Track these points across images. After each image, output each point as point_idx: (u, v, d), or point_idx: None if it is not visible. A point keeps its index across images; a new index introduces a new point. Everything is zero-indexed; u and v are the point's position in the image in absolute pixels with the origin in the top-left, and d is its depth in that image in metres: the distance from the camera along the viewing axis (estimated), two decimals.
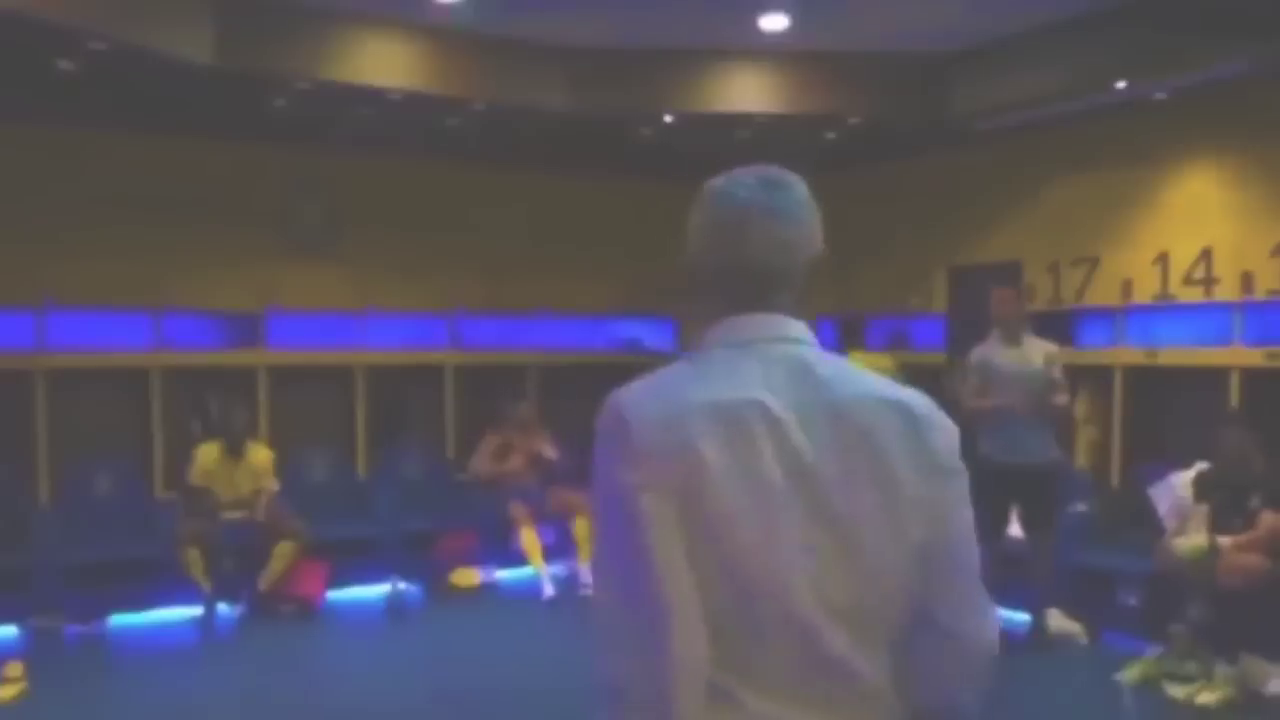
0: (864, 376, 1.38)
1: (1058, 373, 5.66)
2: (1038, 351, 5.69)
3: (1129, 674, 5.21)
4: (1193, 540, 5.27)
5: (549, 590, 6.89)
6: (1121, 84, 5.90)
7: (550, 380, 8.29)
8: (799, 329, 1.39)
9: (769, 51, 6.56)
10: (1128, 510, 6.33)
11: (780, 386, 1.30)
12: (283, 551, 6.53)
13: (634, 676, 1.24)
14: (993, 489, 5.75)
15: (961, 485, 1.36)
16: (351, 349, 7.71)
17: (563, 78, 6.53)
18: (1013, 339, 5.70)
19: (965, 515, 1.36)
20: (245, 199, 7.33)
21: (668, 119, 6.62)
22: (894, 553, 1.30)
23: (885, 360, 6.44)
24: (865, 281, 8.07)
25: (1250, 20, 5.29)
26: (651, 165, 8.17)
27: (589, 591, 6.81)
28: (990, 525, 5.86)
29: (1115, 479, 6.61)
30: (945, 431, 1.36)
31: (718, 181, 1.43)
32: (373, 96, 6.16)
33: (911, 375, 7.64)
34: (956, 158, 7.32)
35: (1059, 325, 6.72)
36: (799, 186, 1.41)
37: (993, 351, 5.75)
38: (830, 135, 6.91)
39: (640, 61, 6.58)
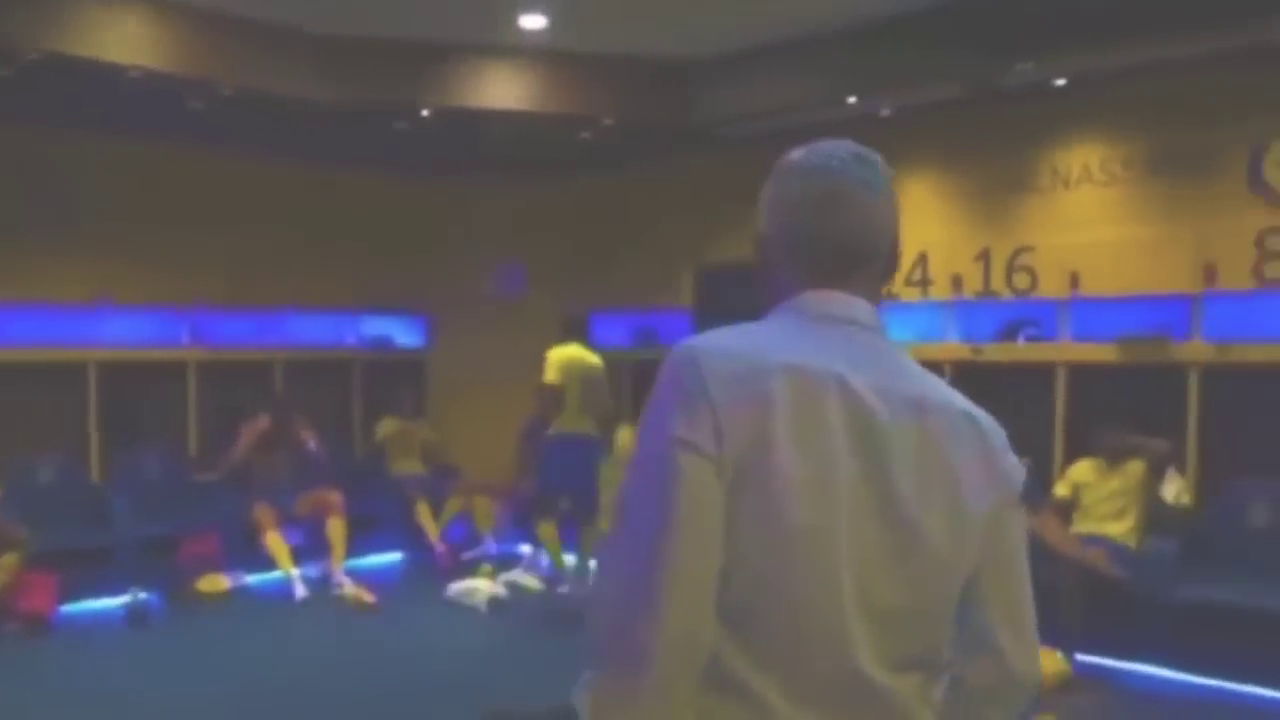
0: (938, 380, 1.33)
1: None
2: None
3: None
4: None
5: (300, 592, 6.75)
6: (852, 99, 6.43)
7: (297, 378, 8.06)
8: (877, 316, 1.33)
9: (528, 50, 6.67)
10: None
11: (863, 367, 1.24)
12: (4, 564, 6.02)
13: (617, 633, 1.15)
14: None
15: (1022, 512, 1.33)
16: (83, 345, 7.17)
17: (318, 65, 6.37)
18: None
19: (1024, 542, 1.34)
20: None
21: (425, 113, 6.59)
22: (952, 568, 1.25)
23: (593, 356, 6.74)
24: (618, 277, 8.36)
25: (963, 52, 5.91)
26: (407, 160, 8.10)
27: (342, 591, 6.74)
28: None
29: None
30: (1011, 454, 1.33)
31: (802, 153, 1.37)
32: (110, 74, 5.77)
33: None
34: (703, 161, 7.69)
35: None
36: (885, 165, 1.37)
37: None
38: (586, 135, 7.09)
39: (399, 53, 6.52)
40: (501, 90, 6.73)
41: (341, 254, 8.22)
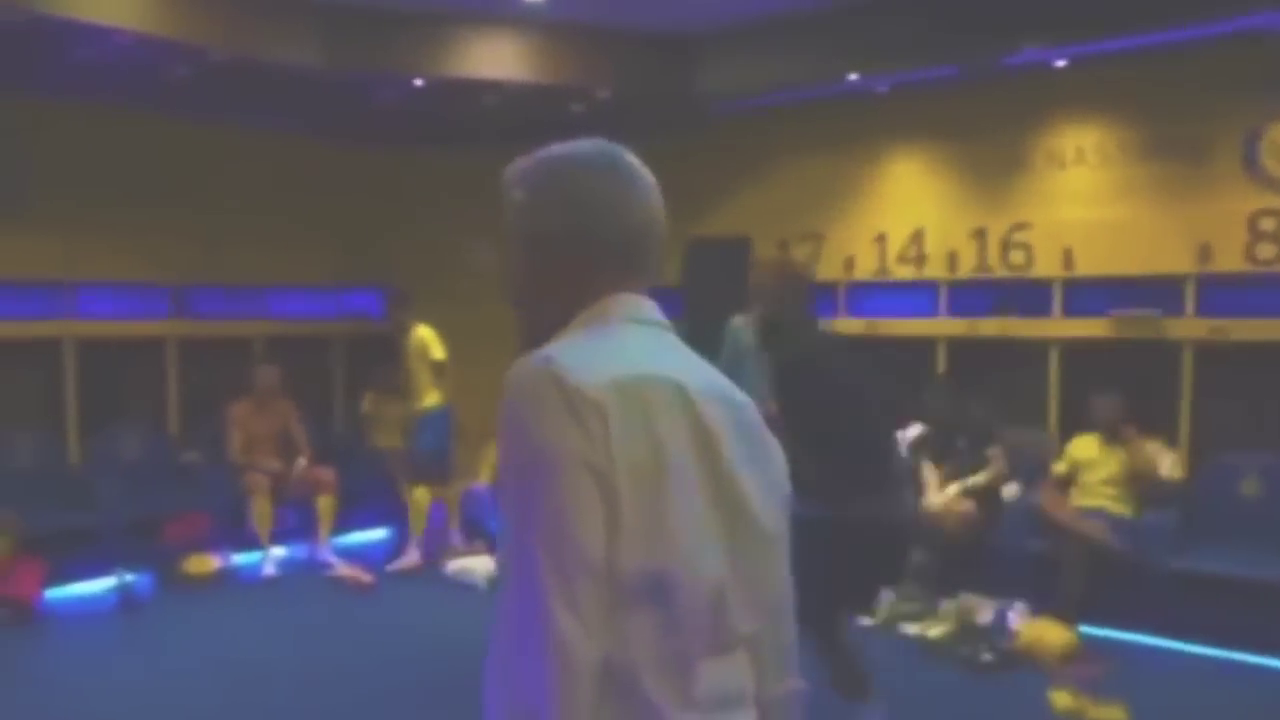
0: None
1: None
2: None
3: (874, 619, 5.78)
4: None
5: (269, 570, 6.75)
6: (854, 76, 6.44)
7: (277, 353, 7.88)
8: (659, 312, 1.35)
9: (525, 20, 6.54)
10: None
11: (688, 370, 1.28)
12: None
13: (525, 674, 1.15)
14: None
15: None
16: (59, 320, 6.91)
17: (310, 32, 6.18)
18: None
19: None
20: None
21: (418, 83, 6.45)
22: (783, 554, 1.35)
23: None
24: None
25: (964, 34, 5.95)
26: (391, 132, 7.93)
27: (336, 571, 6.66)
28: None
29: None
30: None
31: (587, 149, 1.38)
32: (96, 36, 5.52)
33: None
34: (695, 135, 7.65)
35: None
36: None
37: (746, 329, 6.08)
38: (578, 107, 7.01)
39: (393, 22, 6.35)
40: (496, 60, 6.60)
41: (323, 227, 8.03)
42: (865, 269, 7.14)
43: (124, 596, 6.14)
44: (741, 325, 6.02)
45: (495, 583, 1.25)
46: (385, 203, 8.31)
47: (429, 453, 7.02)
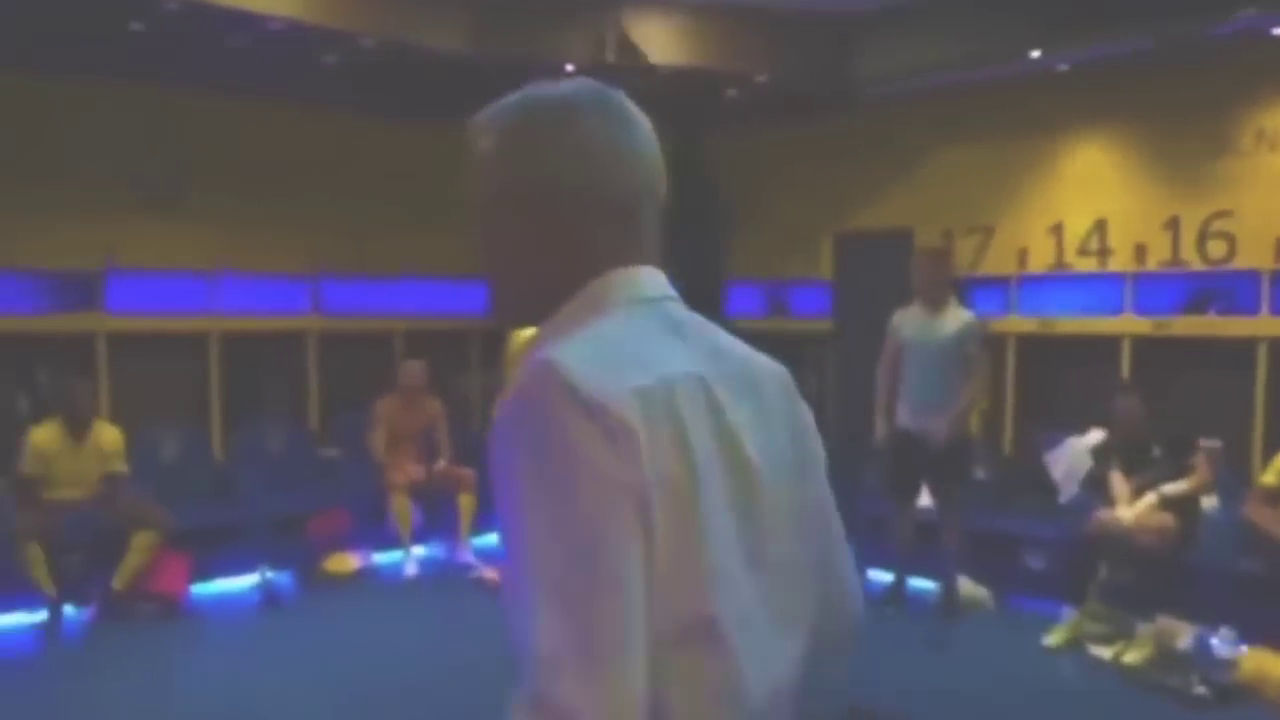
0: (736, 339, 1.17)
1: (974, 347, 5.49)
2: (954, 321, 5.56)
3: (1053, 638, 5.31)
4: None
5: (410, 570, 6.57)
6: (1036, 53, 5.95)
7: (417, 347, 7.72)
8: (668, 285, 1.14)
9: (678, 2, 6.24)
10: (1023, 476, 6.50)
11: (703, 352, 1.08)
12: (142, 544, 5.75)
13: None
14: (905, 457, 5.75)
15: None
16: (204, 314, 6.86)
17: (460, 17, 5.96)
18: (932, 306, 5.63)
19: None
20: (82, 143, 6.35)
21: (569, 68, 6.18)
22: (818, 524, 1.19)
23: None
24: (744, 245, 7.94)
25: (1169, 1, 5.41)
26: None
27: (480, 573, 6.44)
28: (903, 492, 5.86)
29: (1008, 446, 6.76)
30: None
31: (573, 87, 1.12)
32: (251, 24, 5.41)
33: (792, 342, 7.62)
34: (850, 121, 7.25)
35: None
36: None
37: (908, 318, 5.69)
38: (732, 92, 6.67)
39: (543, 5, 6.11)
40: (652, 43, 6.29)
41: (465, 220, 7.83)
42: (1040, 262, 6.63)
43: (267, 594, 6.03)
44: (900, 321, 5.67)
45: None
46: None
47: None
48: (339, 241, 7.27)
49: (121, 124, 6.54)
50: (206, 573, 6.13)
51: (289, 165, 7.08)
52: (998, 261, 6.73)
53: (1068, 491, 6.16)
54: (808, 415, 1.19)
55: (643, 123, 1.13)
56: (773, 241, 7.84)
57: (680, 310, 1.12)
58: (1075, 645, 5.25)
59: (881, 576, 5.96)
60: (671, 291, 1.13)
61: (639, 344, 1.04)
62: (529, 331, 1.17)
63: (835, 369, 7.56)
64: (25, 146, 6.15)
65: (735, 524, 1.04)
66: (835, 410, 7.50)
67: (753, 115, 7.42)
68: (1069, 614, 5.38)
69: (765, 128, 7.70)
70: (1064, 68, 6.22)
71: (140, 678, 4.96)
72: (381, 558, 6.74)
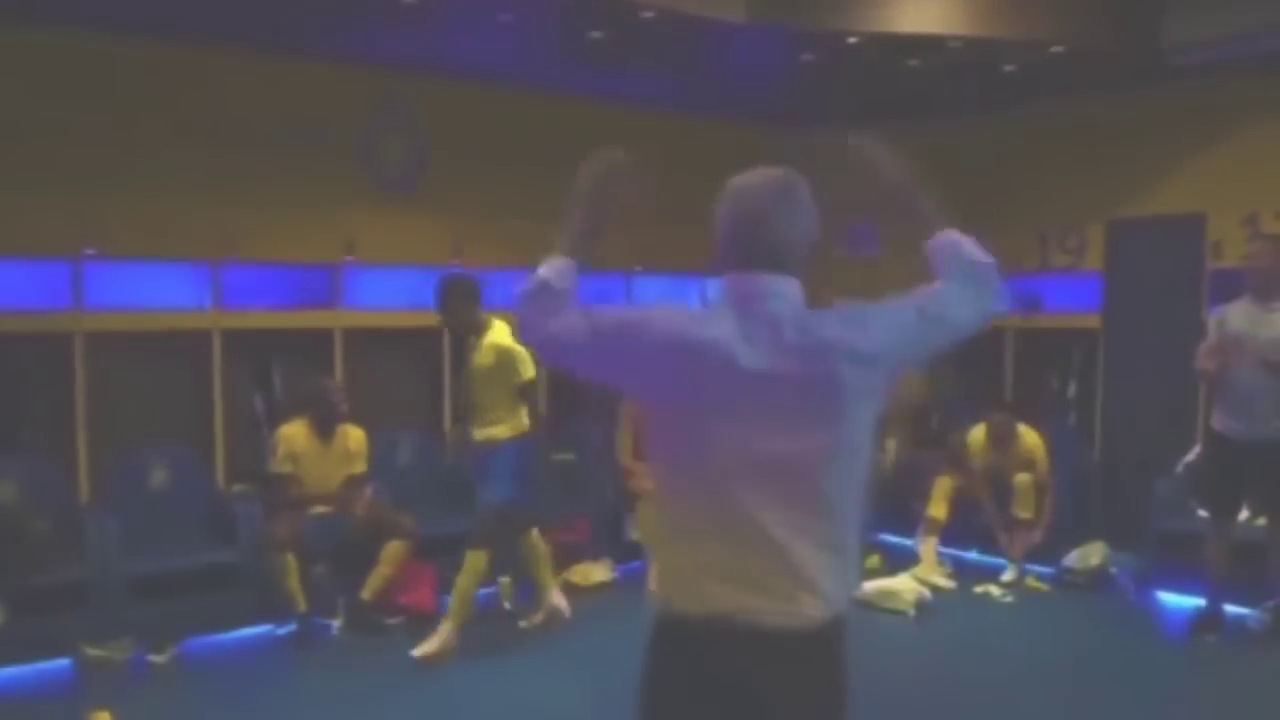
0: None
1: None
2: None
3: None
4: None
5: (653, 584, 5.99)
6: None
7: None
8: (796, 288, 1.85)
9: None
10: None
11: (756, 336, 1.76)
12: (391, 553, 5.44)
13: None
14: (1225, 466, 5.13)
15: None
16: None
17: None
18: (1264, 299, 4.97)
19: None
20: (320, 130, 6.07)
21: (851, 40, 5.62)
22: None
23: None
24: (991, 235, 7.26)
25: None
26: (774, 106, 7.21)
27: None
28: (1222, 507, 5.21)
29: None
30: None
31: (739, 182, 1.94)
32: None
33: (1051, 339, 6.95)
34: (1135, 97, 6.54)
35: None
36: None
37: (1235, 311, 5.05)
38: (1010, 67, 6.02)
39: None
40: (925, 14, 5.68)
41: (696, 212, 7.34)
42: None
43: (515, 605, 5.66)
44: (1227, 315, 5.05)
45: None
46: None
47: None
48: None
49: (363, 109, 6.25)
50: (447, 584, 5.75)
51: (537, 151, 6.63)
52: None
53: None
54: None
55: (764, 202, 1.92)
56: (1027, 230, 7.16)
57: (774, 303, 1.81)
58: None
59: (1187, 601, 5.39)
60: (783, 291, 1.84)
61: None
62: None
63: (1105, 368, 6.87)
64: (268, 136, 5.88)
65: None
66: (1104, 415, 6.83)
67: (1026, 93, 6.70)
68: None
69: (1031, 107, 6.97)
70: None
71: (409, 694, 4.64)
72: (625, 568, 6.32)
